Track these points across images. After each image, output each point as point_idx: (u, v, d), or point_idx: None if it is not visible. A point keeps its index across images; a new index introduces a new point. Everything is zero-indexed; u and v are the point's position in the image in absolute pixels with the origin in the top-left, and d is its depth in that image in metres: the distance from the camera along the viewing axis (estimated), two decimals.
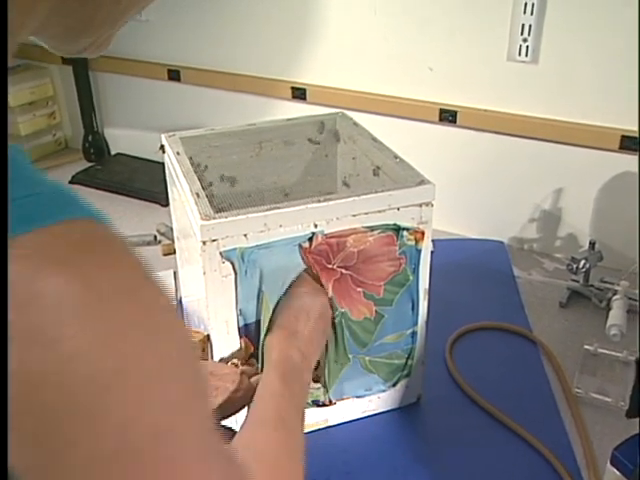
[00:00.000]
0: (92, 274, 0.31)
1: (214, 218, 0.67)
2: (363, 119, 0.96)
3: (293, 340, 0.68)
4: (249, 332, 0.74)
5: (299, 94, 1.35)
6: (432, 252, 0.78)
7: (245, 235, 0.68)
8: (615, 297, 1.01)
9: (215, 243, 0.68)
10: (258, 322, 0.73)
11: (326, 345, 0.77)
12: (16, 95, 1.56)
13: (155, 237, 1.27)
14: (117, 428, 0.31)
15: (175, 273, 1.16)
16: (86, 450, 0.30)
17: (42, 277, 0.29)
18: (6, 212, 0.30)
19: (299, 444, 0.57)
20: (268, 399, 0.60)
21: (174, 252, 1.15)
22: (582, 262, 1.04)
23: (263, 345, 0.71)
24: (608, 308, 1.01)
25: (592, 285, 1.08)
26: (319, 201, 0.70)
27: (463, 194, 1.27)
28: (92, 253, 0.32)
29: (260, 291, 0.72)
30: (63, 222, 0.31)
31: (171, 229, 1.24)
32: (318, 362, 0.75)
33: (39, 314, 0.29)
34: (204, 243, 0.67)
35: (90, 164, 1.61)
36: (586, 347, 0.94)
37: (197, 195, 0.71)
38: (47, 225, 0.30)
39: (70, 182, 1.52)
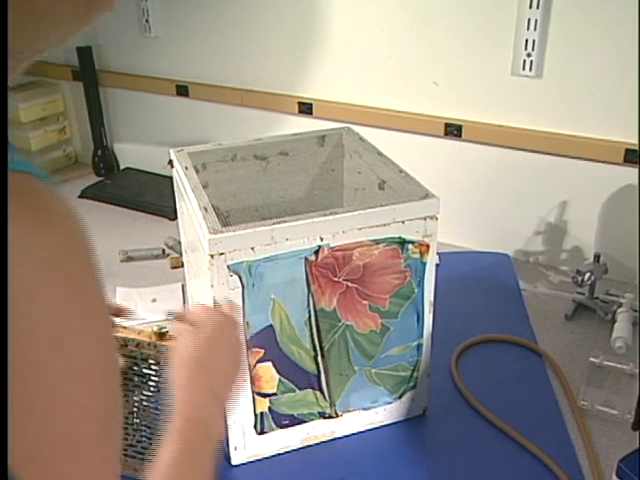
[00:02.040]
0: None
1: (222, 232, 0.68)
2: (369, 133, 0.97)
3: (203, 378, 0.61)
4: (257, 343, 0.75)
5: (306, 109, 1.37)
6: (438, 265, 0.79)
7: (252, 248, 0.69)
8: (620, 310, 1.02)
9: (223, 256, 0.69)
10: (266, 332, 0.74)
11: (330, 356, 0.78)
12: (28, 111, 1.58)
13: (163, 251, 1.29)
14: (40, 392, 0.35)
15: (183, 286, 1.17)
16: (19, 403, 0.34)
17: None
18: (6, 208, 0.32)
19: None
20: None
21: (182, 265, 1.16)
22: (587, 275, 1.04)
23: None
24: (613, 320, 1.01)
25: (597, 297, 1.08)
26: (325, 215, 0.72)
27: (468, 207, 1.28)
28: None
29: (270, 300, 0.73)
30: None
31: (179, 243, 1.25)
32: None
33: None
34: (212, 256, 0.68)
35: (100, 178, 1.63)
36: (592, 359, 0.94)
37: (205, 210, 0.72)
38: None
39: (80, 196, 1.54)
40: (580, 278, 1.05)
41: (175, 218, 1.39)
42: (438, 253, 0.78)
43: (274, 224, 0.70)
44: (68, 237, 0.36)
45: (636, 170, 1.09)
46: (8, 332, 0.33)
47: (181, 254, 1.23)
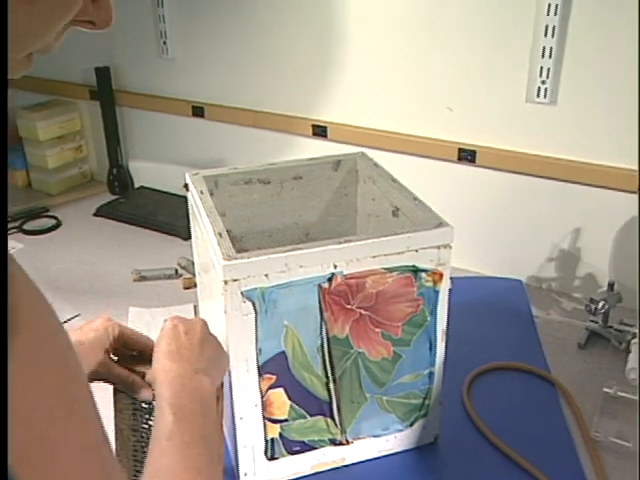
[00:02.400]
0: None
1: (236, 258, 0.69)
2: (382, 157, 0.98)
3: (179, 360, 0.63)
4: (269, 369, 0.75)
5: (320, 132, 1.38)
6: (450, 290, 0.79)
7: (266, 275, 0.70)
8: (634, 340, 1.01)
9: (237, 283, 0.69)
10: (278, 358, 0.74)
11: (342, 382, 0.78)
12: (46, 130, 1.60)
13: (176, 271, 1.29)
14: None
15: (195, 307, 1.17)
16: None
17: None
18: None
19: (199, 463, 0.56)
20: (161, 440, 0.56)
21: (195, 286, 1.17)
22: (601, 303, 1.04)
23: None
24: (628, 350, 1.00)
25: (611, 326, 1.07)
26: (339, 242, 0.72)
27: (481, 232, 1.27)
28: None
29: (283, 327, 0.73)
30: None
31: (192, 263, 1.25)
32: None
33: None
34: (226, 282, 0.69)
35: (114, 197, 1.64)
36: (605, 390, 0.93)
37: (220, 235, 0.73)
38: None
39: (94, 214, 1.55)
40: (594, 306, 1.04)
41: (188, 238, 1.40)
42: (450, 278, 0.78)
43: (288, 251, 0.70)
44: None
45: None
46: (8, 333, 0.33)
47: (194, 274, 1.24)
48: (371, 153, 0.98)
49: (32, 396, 0.35)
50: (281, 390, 0.77)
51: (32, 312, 0.36)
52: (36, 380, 0.36)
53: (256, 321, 0.72)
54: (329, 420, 0.80)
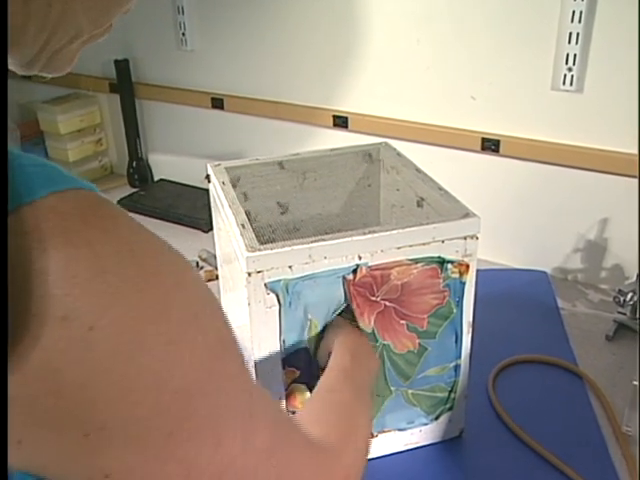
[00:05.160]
0: (94, 242, 0.31)
1: (259, 250, 0.68)
2: (404, 147, 0.96)
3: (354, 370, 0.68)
4: (292, 362, 0.74)
5: (341, 122, 1.37)
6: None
7: (290, 267, 0.69)
8: None
9: (260, 274, 0.68)
10: (302, 351, 0.74)
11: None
12: (66, 123, 1.61)
13: (197, 263, 1.29)
14: (146, 395, 0.31)
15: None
16: (121, 420, 0.31)
17: (44, 252, 0.29)
18: (6, 207, 0.30)
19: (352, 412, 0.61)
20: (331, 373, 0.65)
21: (216, 278, 1.16)
22: (630, 295, 1.01)
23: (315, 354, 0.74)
24: None
25: None
26: (364, 233, 0.71)
27: (505, 223, 1.25)
28: (93, 219, 0.32)
29: (307, 320, 0.72)
30: (58, 193, 0.32)
31: (213, 256, 1.25)
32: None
33: (47, 290, 0.29)
34: (249, 274, 0.68)
35: (134, 190, 1.64)
36: (635, 383, 0.91)
37: (242, 226, 0.72)
38: (44, 196, 0.31)
39: None
40: (622, 298, 1.02)
41: (209, 230, 1.40)
42: None
43: (312, 242, 0.69)
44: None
45: None
46: (8, 324, 0.32)
47: (215, 267, 1.23)
48: (392, 143, 0.97)
49: (200, 338, 0.35)
50: (304, 385, 0.76)
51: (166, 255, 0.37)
52: (198, 321, 0.36)
53: (280, 313, 0.71)
54: None
